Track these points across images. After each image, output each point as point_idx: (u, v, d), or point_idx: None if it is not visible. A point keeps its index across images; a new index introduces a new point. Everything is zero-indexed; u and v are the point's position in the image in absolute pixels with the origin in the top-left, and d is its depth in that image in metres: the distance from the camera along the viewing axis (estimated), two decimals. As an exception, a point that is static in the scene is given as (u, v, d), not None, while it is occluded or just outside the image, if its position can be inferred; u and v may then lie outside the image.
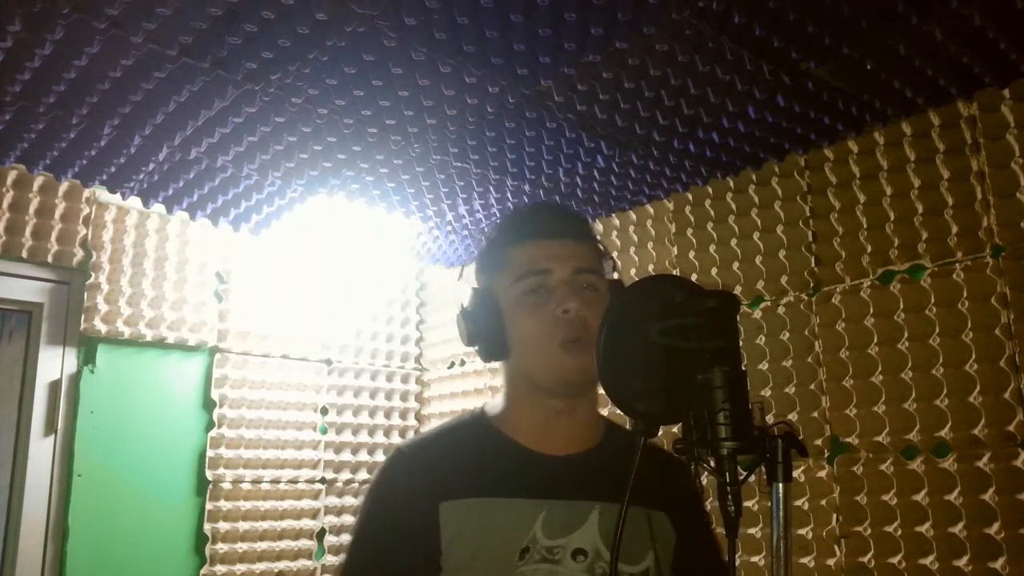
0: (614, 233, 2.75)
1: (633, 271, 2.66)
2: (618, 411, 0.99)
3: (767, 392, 2.21)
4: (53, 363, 2.55)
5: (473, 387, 3.18)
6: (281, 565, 2.85)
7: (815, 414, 2.12)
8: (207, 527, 2.71)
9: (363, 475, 3.17)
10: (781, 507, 0.89)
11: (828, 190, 2.18)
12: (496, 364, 1.20)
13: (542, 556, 1.03)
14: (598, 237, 1.19)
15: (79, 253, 2.62)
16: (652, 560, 1.08)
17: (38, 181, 2.54)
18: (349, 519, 3.09)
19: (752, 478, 0.89)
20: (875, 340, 2.03)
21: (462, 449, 1.13)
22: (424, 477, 1.08)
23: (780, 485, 0.89)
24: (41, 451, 2.48)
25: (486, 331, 1.13)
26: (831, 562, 2.03)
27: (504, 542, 1.03)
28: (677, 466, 1.17)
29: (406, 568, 1.05)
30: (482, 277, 1.19)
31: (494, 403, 1.19)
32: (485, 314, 1.13)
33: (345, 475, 3.11)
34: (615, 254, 2.72)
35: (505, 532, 1.04)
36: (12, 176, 2.50)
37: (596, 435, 1.17)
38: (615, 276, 1.18)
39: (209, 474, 2.75)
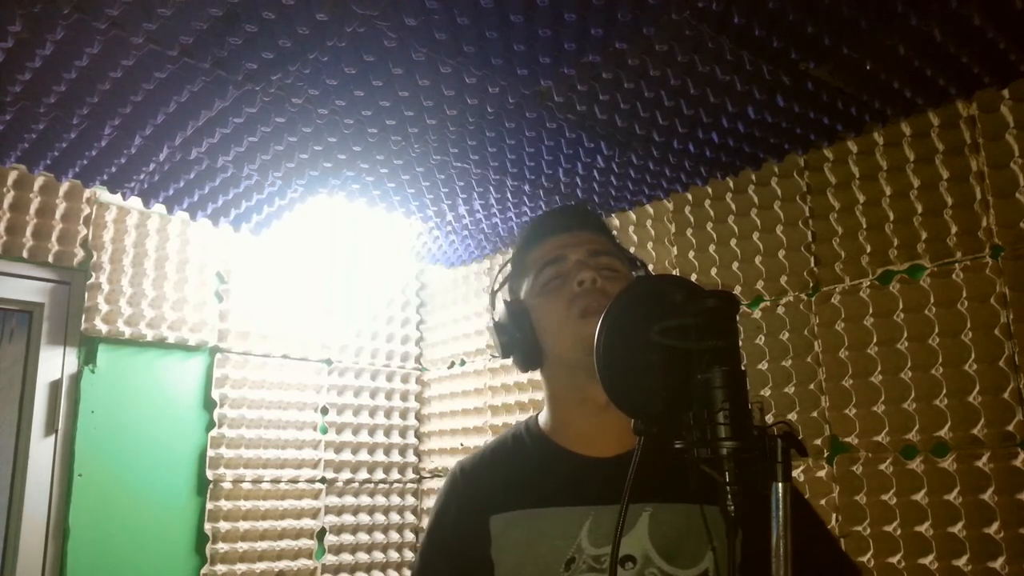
0: (614, 233, 2.75)
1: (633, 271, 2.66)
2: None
3: (767, 392, 2.22)
4: (54, 363, 2.56)
5: (473, 387, 3.18)
6: (281, 565, 2.85)
7: (814, 414, 2.12)
8: (207, 527, 2.72)
9: (363, 475, 3.17)
10: (781, 507, 0.89)
11: (827, 190, 2.18)
12: (510, 366, 1.22)
13: (588, 565, 1.01)
14: (605, 223, 1.21)
15: (80, 253, 2.62)
16: (711, 562, 1.02)
17: (39, 181, 2.55)
18: (349, 519, 3.09)
19: (751, 478, 0.89)
20: (874, 340, 2.03)
21: (514, 460, 1.13)
22: (476, 492, 1.10)
23: (780, 485, 0.89)
24: (42, 451, 2.49)
25: (519, 340, 1.13)
26: (831, 562, 2.03)
27: (549, 552, 1.02)
28: None
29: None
30: (511, 289, 1.21)
31: (543, 412, 1.18)
32: (515, 323, 1.13)
33: (345, 475, 3.11)
34: (615, 254, 2.73)
35: (550, 542, 1.02)
36: (13, 176, 2.50)
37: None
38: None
39: (209, 474, 2.76)
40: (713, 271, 2.42)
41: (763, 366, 2.24)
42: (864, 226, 2.10)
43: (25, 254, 2.52)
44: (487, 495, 1.08)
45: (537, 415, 1.20)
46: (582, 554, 1.02)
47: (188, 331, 2.80)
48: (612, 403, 0.99)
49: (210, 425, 2.81)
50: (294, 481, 2.96)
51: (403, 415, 3.37)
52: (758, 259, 2.32)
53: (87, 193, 2.64)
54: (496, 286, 1.21)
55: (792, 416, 2.15)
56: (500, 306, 1.16)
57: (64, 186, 2.59)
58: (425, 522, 3.27)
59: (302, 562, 2.91)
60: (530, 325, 1.12)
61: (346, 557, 3.05)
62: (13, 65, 1.67)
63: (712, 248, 2.44)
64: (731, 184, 2.40)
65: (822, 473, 2.09)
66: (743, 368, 0.90)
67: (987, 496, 1.79)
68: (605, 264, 1.10)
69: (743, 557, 1.05)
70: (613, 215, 2.75)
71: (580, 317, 1.06)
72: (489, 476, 1.11)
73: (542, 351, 1.13)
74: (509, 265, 1.22)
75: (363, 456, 3.19)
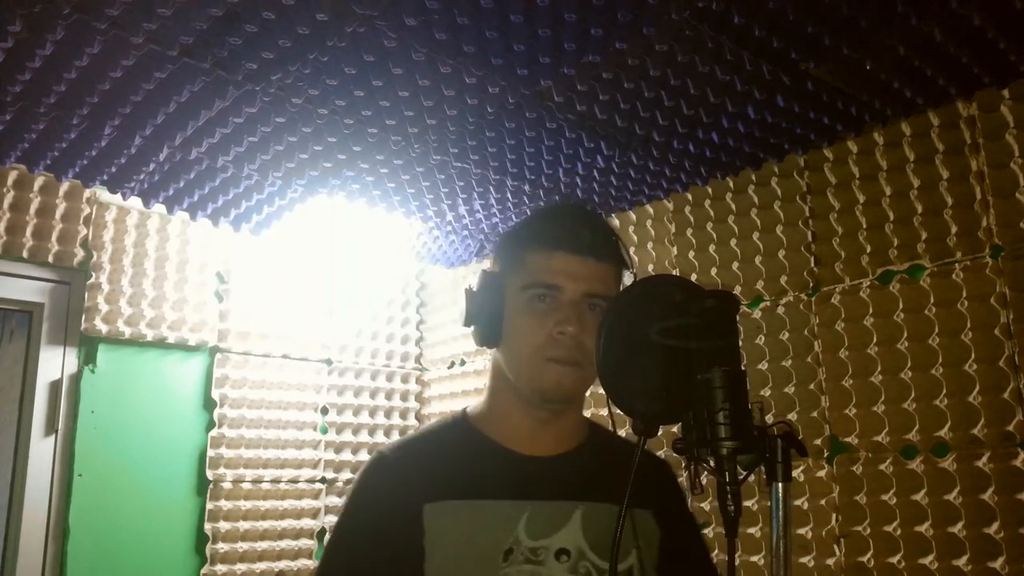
0: (621, 249, 2.74)
1: (633, 271, 2.66)
2: (618, 411, 0.99)
3: (767, 392, 2.22)
4: (54, 363, 2.56)
5: (473, 387, 3.18)
6: (281, 565, 2.85)
7: (814, 414, 2.12)
8: (207, 527, 2.72)
9: (363, 475, 3.17)
10: (781, 507, 0.89)
11: (827, 190, 2.18)
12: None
13: (526, 557, 1.03)
14: (619, 244, 1.17)
15: (80, 253, 2.62)
16: (635, 558, 1.08)
17: (39, 181, 2.55)
18: (349, 519, 3.09)
19: (752, 478, 0.89)
20: (874, 340, 2.03)
21: (445, 451, 1.13)
22: (407, 479, 1.08)
23: (780, 485, 0.89)
24: (42, 451, 2.49)
25: (486, 316, 1.12)
26: (831, 562, 2.03)
27: (488, 543, 1.04)
28: (660, 465, 1.20)
29: (391, 568, 1.04)
30: (497, 262, 1.18)
31: (476, 405, 1.19)
32: (489, 300, 1.13)
33: (345, 475, 3.11)
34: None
35: (489, 533, 1.04)
36: (13, 176, 2.50)
37: (579, 436, 1.18)
38: (631, 278, 1.16)
39: (210, 474, 2.75)
40: (713, 271, 2.42)
41: (763, 366, 2.24)
42: (864, 226, 2.09)
43: (25, 254, 2.52)
44: (417, 484, 1.07)
45: (466, 408, 1.20)
46: (520, 546, 1.03)
47: (188, 331, 2.80)
48: (612, 403, 0.99)
49: (210, 425, 2.81)
50: (294, 481, 2.96)
51: (403, 415, 3.37)
52: (758, 259, 2.32)
53: (87, 193, 2.64)
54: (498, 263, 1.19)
55: (792, 416, 2.15)
56: (481, 275, 1.15)
57: (64, 186, 2.59)
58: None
59: (302, 562, 2.91)
60: (500, 311, 1.11)
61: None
62: (13, 65, 1.67)
63: (712, 248, 2.44)
64: (731, 184, 2.40)
65: (822, 473, 2.08)
66: (743, 368, 0.90)
67: (987, 496, 1.79)
68: (594, 304, 1.09)
69: (663, 555, 1.11)
70: (613, 215, 2.74)
71: (546, 361, 1.07)
72: (418, 465, 1.10)
73: (499, 338, 1.13)
74: (516, 235, 1.18)
75: (363, 456, 3.19)
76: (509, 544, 1.03)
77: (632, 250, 2.68)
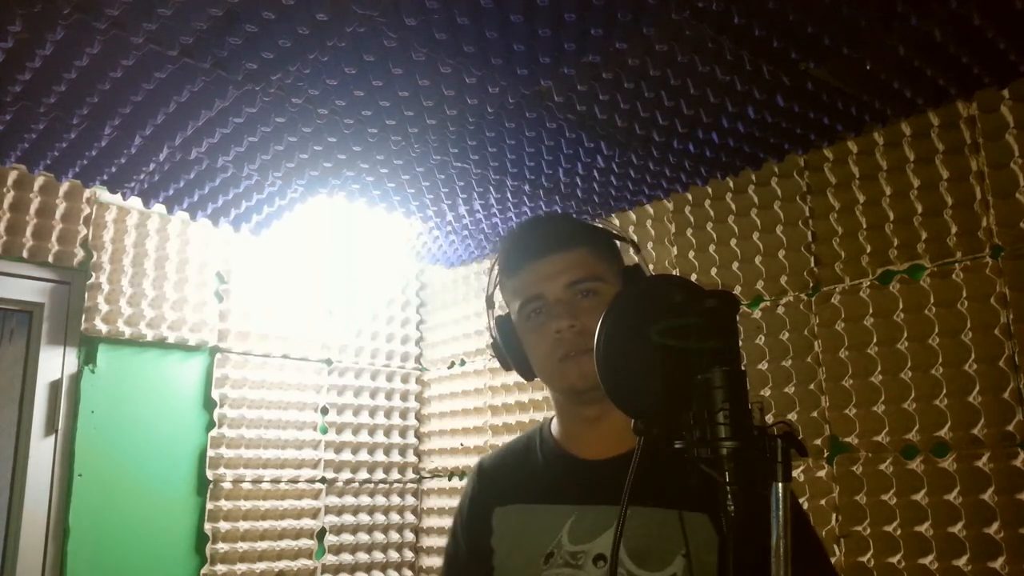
0: (597, 224, 2.75)
1: (618, 235, 2.66)
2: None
3: (767, 392, 2.22)
4: (54, 363, 2.56)
5: (473, 387, 3.18)
6: (281, 565, 2.85)
7: (814, 414, 2.12)
8: (207, 527, 2.72)
9: (363, 475, 3.17)
10: (781, 507, 0.89)
11: (827, 190, 2.18)
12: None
13: (565, 561, 1.06)
14: (601, 229, 1.19)
15: (80, 253, 2.62)
16: (682, 566, 1.03)
17: (39, 181, 2.55)
18: (349, 518, 3.09)
19: (751, 478, 0.89)
20: (874, 340, 2.03)
21: (518, 459, 1.22)
22: (486, 486, 1.20)
23: (780, 485, 0.89)
24: (42, 451, 2.49)
25: (514, 357, 1.19)
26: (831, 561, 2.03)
27: (533, 546, 1.08)
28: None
29: (472, 562, 1.16)
30: (505, 301, 1.23)
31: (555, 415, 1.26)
32: (508, 342, 1.19)
33: (345, 475, 3.11)
34: (615, 254, 2.73)
35: (535, 536, 1.09)
36: (12, 176, 2.50)
37: (634, 438, 1.16)
38: (635, 260, 1.19)
39: (209, 474, 2.76)
40: (713, 271, 2.42)
41: (763, 366, 2.24)
42: (864, 226, 2.10)
43: (25, 254, 2.52)
44: (494, 489, 1.17)
45: (549, 419, 1.26)
46: (561, 549, 1.07)
47: (188, 331, 2.80)
48: (611, 403, 0.99)
49: (210, 425, 2.81)
50: (294, 481, 2.96)
51: (403, 415, 3.37)
52: (758, 259, 2.32)
53: (87, 193, 2.64)
54: (491, 290, 1.24)
55: (792, 416, 2.15)
56: (496, 321, 1.21)
57: (64, 186, 2.59)
58: (424, 522, 3.28)
59: (302, 562, 2.91)
60: (520, 347, 1.18)
61: (346, 557, 3.05)
62: (13, 65, 1.67)
63: (712, 248, 2.44)
64: (731, 184, 2.40)
65: (822, 473, 2.09)
66: (743, 368, 0.90)
67: (987, 496, 1.79)
68: (585, 289, 1.11)
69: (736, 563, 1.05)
70: (613, 215, 2.75)
71: (560, 361, 1.11)
72: (499, 472, 1.20)
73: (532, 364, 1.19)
74: (498, 271, 1.22)
75: (363, 456, 3.19)
76: (551, 547, 1.07)
77: (632, 250, 2.67)
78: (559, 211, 2.71)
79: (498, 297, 1.24)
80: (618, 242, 1.23)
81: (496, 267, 1.22)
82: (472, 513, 1.19)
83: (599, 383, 1.04)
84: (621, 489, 1.03)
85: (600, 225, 1.23)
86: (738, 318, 0.96)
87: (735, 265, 2.37)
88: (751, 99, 1.92)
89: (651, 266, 2.61)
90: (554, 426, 1.23)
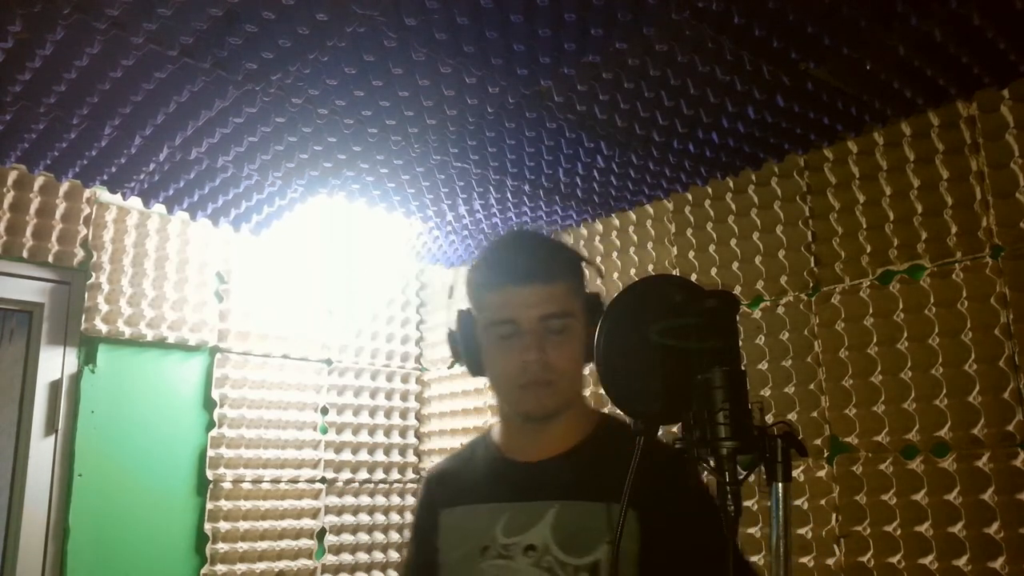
0: (614, 233, 2.75)
1: (633, 271, 2.66)
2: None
3: (767, 392, 2.22)
4: (54, 363, 2.55)
5: (473, 387, 3.18)
6: (281, 565, 2.85)
7: (815, 414, 2.12)
8: (207, 526, 2.72)
9: (363, 475, 3.17)
10: (781, 507, 0.89)
11: (827, 190, 2.18)
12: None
13: (498, 553, 1.15)
14: (574, 258, 1.23)
15: (80, 253, 2.62)
16: (605, 553, 1.10)
17: (39, 181, 2.54)
18: (349, 518, 3.09)
19: (752, 478, 0.89)
20: (874, 340, 2.03)
21: (463, 464, 1.29)
22: (432, 491, 1.28)
23: (780, 485, 0.89)
24: (42, 451, 2.49)
25: (468, 354, 1.23)
26: (831, 562, 2.03)
27: (472, 542, 1.17)
28: (669, 463, 1.08)
29: (424, 561, 1.25)
30: (469, 302, 1.25)
31: (497, 422, 1.32)
32: (466, 340, 1.23)
33: (345, 475, 3.11)
34: (615, 254, 2.73)
35: (473, 533, 1.17)
36: (13, 176, 2.50)
37: (578, 435, 1.23)
38: (597, 284, 1.22)
39: (209, 474, 2.75)
40: (713, 271, 2.42)
41: (763, 366, 2.24)
42: (864, 226, 2.09)
43: (25, 254, 2.52)
44: (441, 493, 1.26)
45: (493, 426, 1.33)
46: (495, 543, 1.15)
47: (188, 331, 2.80)
48: (612, 403, 0.99)
49: (210, 425, 2.81)
50: (294, 481, 2.96)
51: (403, 415, 3.37)
52: (758, 259, 2.32)
53: (87, 193, 2.64)
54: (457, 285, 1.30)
55: (792, 416, 2.15)
56: (457, 316, 1.24)
57: (64, 186, 2.59)
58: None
59: (302, 562, 2.91)
60: (476, 346, 1.22)
61: (346, 557, 3.05)
62: (13, 65, 1.67)
63: (712, 248, 2.44)
64: (731, 184, 2.40)
65: (822, 473, 2.08)
66: (743, 368, 0.90)
67: (987, 496, 1.79)
68: (556, 328, 1.16)
69: (642, 549, 1.12)
70: (613, 215, 2.75)
71: (521, 388, 1.17)
72: (444, 477, 1.29)
73: (484, 367, 1.24)
74: (474, 276, 1.25)
75: (363, 456, 3.19)
76: (487, 542, 1.16)
77: (632, 250, 2.68)
78: (560, 211, 2.71)
79: (460, 291, 1.28)
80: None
81: (474, 269, 1.25)
82: (421, 516, 1.28)
83: (551, 412, 1.18)
84: (550, 487, 1.16)
85: (570, 246, 1.28)
86: (738, 318, 0.96)
87: (735, 265, 2.37)
88: (751, 99, 1.92)
89: (651, 266, 2.62)
90: (496, 432, 1.30)
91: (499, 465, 1.23)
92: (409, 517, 3.27)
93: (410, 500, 3.29)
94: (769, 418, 0.91)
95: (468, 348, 1.23)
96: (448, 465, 1.33)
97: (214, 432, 2.80)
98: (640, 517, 1.12)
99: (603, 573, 1.09)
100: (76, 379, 2.57)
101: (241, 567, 2.75)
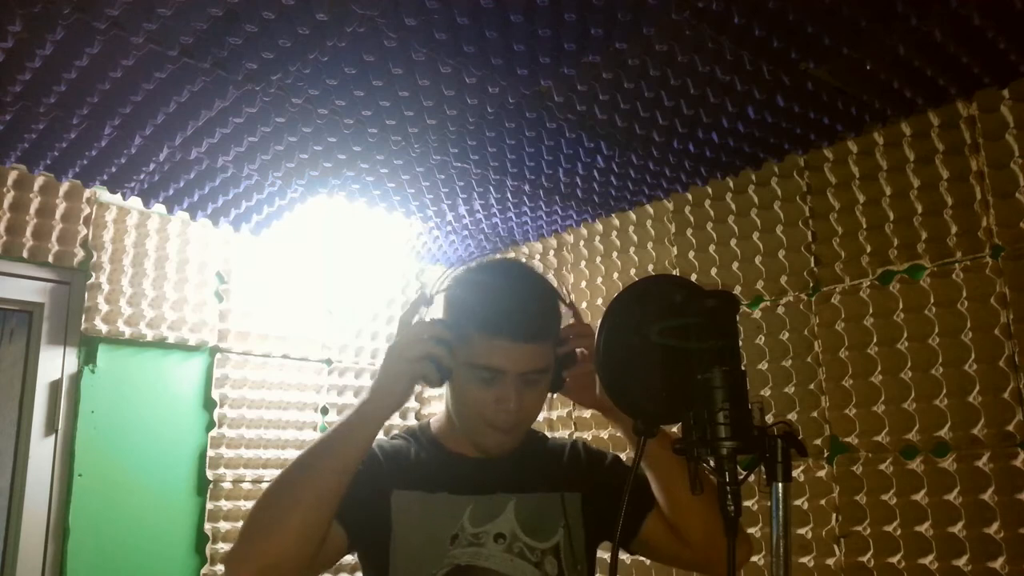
0: (614, 233, 2.75)
1: (633, 271, 2.66)
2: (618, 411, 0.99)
3: (767, 392, 2.22)
4: (54, 363, 2.55)
5: (473, 387, 3.18)
6: (281, 565, 2.84)
7: (815, 414, 2.12)
8: (208, 527, 2.72)
9: (363, 475, 3.17)
10: (781, 507, 0.89)
11: (827, 190, 2.18)
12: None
13: (469, 541, 1.22)
14: (557, 310, 1.27)
15: (80, 253, 2.62)
16: (563, 536, 1.26)
17: (39, 181, 2.54)
18: (349, 519, 3.09)
19: (752, 478, 0.89)
20: (874, 340, 2.03)
21: (408, 451, 1.32)
22: (390, 464, 1.27)
23: (780, 485, 0.89)
24: (42, 451, 2.48)
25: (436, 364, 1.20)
26: (831, 562, 2.03)
27: (439, 530, 1.22)
28: (576, 447, 1.39)
29: (361, 519, 1.21)
30: (449, 320, 1.23)
31: (436, 419, 1.37)
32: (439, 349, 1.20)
33: (345, 475, 3.11)
34: (615, 254, 2.74)
35: (438, 520, 1.23)
36: (13, 176, 2.50)
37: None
38: (571, 319, 1.30)
39: (210, 474, 2.75)
40: (713, 271, 2.42)
41: (763, 366, 2.24)
42: (864, 226, 2.09)
43: (25, 254, 2.52)
44: (393, 470, 1.26)
45: (428, 421, 1.38)
46: (464, 532, 1.22)
47: (188, 331, 2.80)
48: (612, 403, 0.99)
49: (210, 425, 2.81)
50: (294, 481, 2.95)
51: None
52: (758, 259, 2.32)
53: (87, 193, 2.64)
54: (437, 290, 1.27)
55: (792, 416, 2.15)
56: (440, 319, 1.22)
57: (64, 186, 2.59)
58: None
59: (302, 562, 2.90)
60: (448, 364, 1.19)
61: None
62: (13, 65, 1.67)
63: (712, 248, 2.44)
64: (731, 184, 2.40)
65: (822, 473, 2.08)
66: (743, 368, 0.90)
67: (987, 496, 1.79)
68: (533, 379, 1.22)
69: (587, 531, 1.29)
70: (613, 215, 2.75)
71: (488, 426, 1.22)
72: (397, 457, 1.30)
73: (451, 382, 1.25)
74: (464, 310, 1.23)
75: (363, 456, 3.19)
76: (455, 531, 1.22)
77: (632, 250, 2.68)
78: (560, 211, 2.71)
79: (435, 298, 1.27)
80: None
81: (465, 299, 1.23)
82: (372, 485, 1.22)
83: (505, 454, 1.26)
84: (508, 480, 1.27)
85: (553, 291, 1.28)
86: (738, 318, 0.96)
87: (735, 265, 2.37)
88: (751, 99, 1.92)
89: (651, 266, 2.62)
90: (438, 428, 1.34)
91: (450, 459, 1.30)
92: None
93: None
94: (769, 418, 0.91)
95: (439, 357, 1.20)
96: (395, 446, 1.32)
97: (214, 432, 2.80)
98: (584, 501, 1.31)
99: (563, 553, 1.25)
100: (76, 379, 2.57)
101: (241, 567, 2.74)
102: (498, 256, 3.16)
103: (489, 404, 1.21)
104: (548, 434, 1.44)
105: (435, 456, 1.31)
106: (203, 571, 2.68)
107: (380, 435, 1.21)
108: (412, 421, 3.39)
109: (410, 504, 1.24)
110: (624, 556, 1.90)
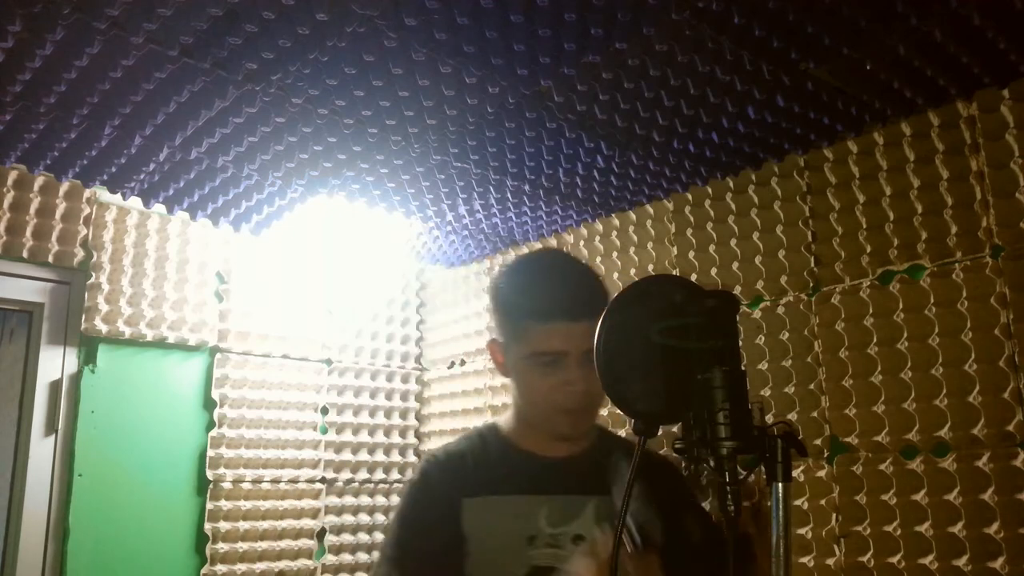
0: (614, 233, 2.75)
1: (633, 271, 2.66)
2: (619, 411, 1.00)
3: (767, 392, 2.22)
4: (54, 363, 2.56)
5: (473, 387, 3.18)
6: (281, 565, 2.85)
7: (815, 414, 2.12)
8: (207, 527, 2.72)
9: (363, 475, 3.17)
10: (781, 507, 0.89)
11: (827, 190, 2.18)
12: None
13: (547, 542, 1.21)
14: (604, 287, 1.30)
15: (80, 253, 2.62)
16: (592, 511, 1.25)
17: (39, 181, 2.55)
18: (349, 519, 3.09)
19: (752, 478, 0.89)
20: (874, 340, 2.03)
21: (474, 454, 1.31)
22: (452, 476, 1.27)
23: (780, 485, 0.89)
24: (42, 451, 2.49)
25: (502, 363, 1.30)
26: (831, 562, 2.03)
27: (515, 531, 1.21)
28: (663, 465, 1.34)
29: (441, 546, 1.23)
30: (500, 321, 1.30)
31: (505, 418, 1.37)
32: (502, 351, 1.30)
33: (345, 475, 3.11)
34: (615, 254, 2.74)
35: (514, 522, 1.22)
36: (13, 176, 2.50)
37: (589, 438, 1.34)
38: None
39: (210, 474, 2.76)
40: (713, 271, 2.42)
41: (763, 366, 2.24)
42: (864, 226, 2.09)
43: (25, 254, 2.52)
44: (459, 481, 1.26)
45: (497, 421, 1.38)
46: (542, 533, 1.22)
47: (188, 331, 2.80)
48: (612, 403, 0.99)
49: (210, 425, 2.81)
50: (294, 481, 2.96)
51: (403, 415, 3.37)
52: (758, 259, 2.32)
53: (87, 193, 2.64)
54: (491, 290, 1.34)
55: (792, 416, 2.15)
56: (494, 323, 1.30)
57: (64, 186, 2.59)
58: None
59: (302, 562, 2.91)
60: (510, 365, 1.28)
61: (346, 557, 3.05)
62: (13, 65, 1.67)
63: (712, 248, 2.44)
64: (731, 184, 2.40)
65: (822, 473, 2.08)
66: (743, 368, 0.90)
67: (987, 496, 1.79)
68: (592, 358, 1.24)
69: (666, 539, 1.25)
70: (613, 215, 2.75)
71: (559, 411, 1.24)
72: (460, 466, 1.29)
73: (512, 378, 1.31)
74: (516, 297, 1.29)
75: (363, 456, 3.19)
76: (533, 532, 1.21)
77: (632, 250, 2.68)
78: (560, 211, 2.71)
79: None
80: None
81: (512, 293, 1.28)
82: (434, 503, 1.26)
83: (584, 434, 1.27)
84: (579, 482, 1.27)
85: (598, 273, 1.34)
86: (738, 318, 0.96)
87: (735, 265, 2.37)
88: (751, 99, 1.92)
89: (651, 266, 2.62)
90: (509, 427, 1.35)
91: (522, 459, 1.29)
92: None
93: (410, 500, 3.29)
94: (769, 418, 0.91)
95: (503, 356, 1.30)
96: (458, 454, 1.33)
97: (214, 432, 2.80)
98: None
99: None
100: (76, 379, 2.58)
101: (241, 567, 2.75)
102: (526, 250, 3.15)
103: (558, 388, 1.22)
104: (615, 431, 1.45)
105: (503, 456, 1.31)
106: (203, 571, 2.68)
107: (444, 442, 1.26)
108: (412, 421, 3.40)
109: (483, 509, 1.24)
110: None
